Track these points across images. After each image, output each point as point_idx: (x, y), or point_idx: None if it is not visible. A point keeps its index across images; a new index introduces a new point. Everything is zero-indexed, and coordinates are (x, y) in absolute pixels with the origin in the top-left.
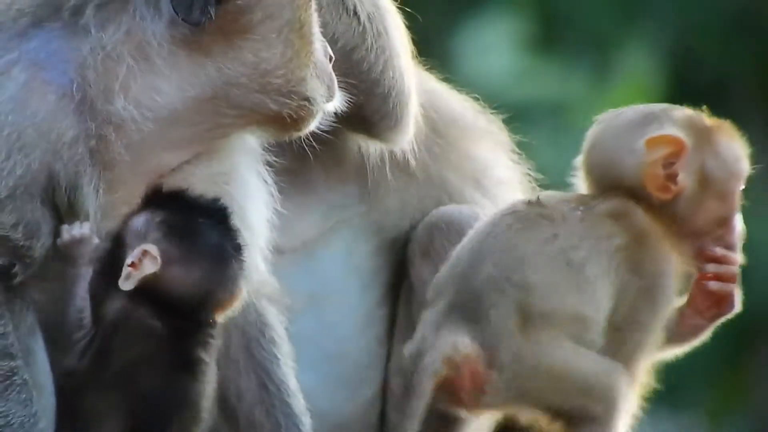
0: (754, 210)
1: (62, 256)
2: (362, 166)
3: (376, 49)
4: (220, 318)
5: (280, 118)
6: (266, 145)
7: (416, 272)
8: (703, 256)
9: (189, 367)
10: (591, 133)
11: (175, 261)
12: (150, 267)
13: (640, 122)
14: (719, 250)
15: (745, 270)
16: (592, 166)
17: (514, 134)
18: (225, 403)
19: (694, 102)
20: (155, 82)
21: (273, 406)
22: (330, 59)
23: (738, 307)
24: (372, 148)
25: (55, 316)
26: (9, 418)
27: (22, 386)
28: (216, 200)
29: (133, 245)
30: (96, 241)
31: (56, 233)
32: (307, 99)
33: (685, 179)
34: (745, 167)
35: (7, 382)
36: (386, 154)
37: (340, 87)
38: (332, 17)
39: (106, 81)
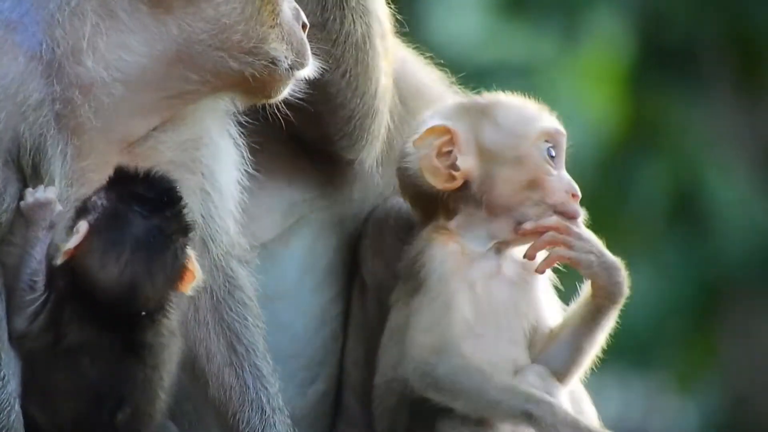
0: (722, 173)
1: (24, 219)
2: (350, 147)
3: (349, 77)
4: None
5: (244, 80)
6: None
7: (368, 269)
8: (520, 237)
9: (134, 351)
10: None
11: (96, 248)
12: (72, 242)
13: (412, 132)
14: (528, 225)
15: (713, 231)
16: (405, 190)
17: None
18: (194, 365)
19: (663, 65)
20: (122, 38)
21: (242, 368)
22: (304, 27)
23: (593, 263)
24: (375, 112)
25: (13, 279)
26: None
27: None
28: (166, 187)
29: (79, 220)
30: (59, 207)
31: (21, 197)
32: (271, 59)
33: (466, 161)
34: (539, 126)
35: None
36: (380, 130)
37: (303, 100)
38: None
39: (73, 40)
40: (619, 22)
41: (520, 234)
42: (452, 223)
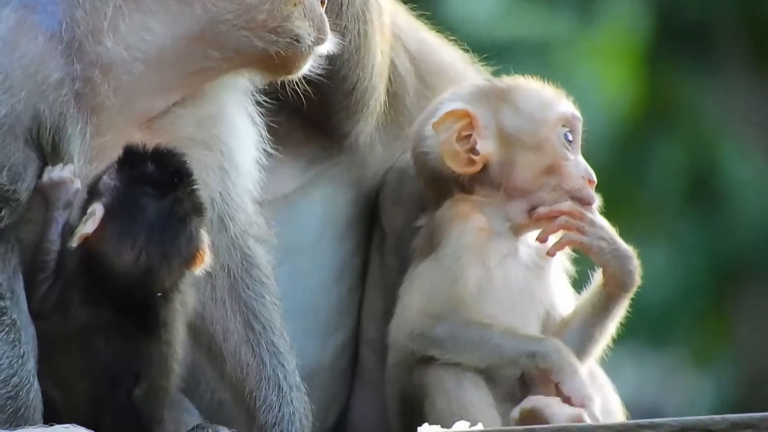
0: (738, 151)
1: (42, 197)
2: (347, 119)
3: (352, 49)
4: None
5: (268, 57)
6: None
7: (388, 219)
8: (533, 219)
9: (149, 330)
10: (410, 144)
11: (112, 233)
12: (89, 227)
13: (427, 114)
14: (542, 209)
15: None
16: (419, 172)
17: (499, 75)
18: (211, 343)
19: (678, 44)
20: (144, 20)
21: (259, 345)
22: (322, 2)
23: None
24: (372, 87)
25: (31, 257)
26: None
27: (11, 326)
28: (177, 165)
29: (93, 202)
30: (77, 185)
31: (40, 176)
32: (295, 37)
33: (487, 145)
34: (558, 111)
35: None
36: (377, 107)
37: (306, 75)
38: None
39: (94, 21)
40: (634, 2)
41: (534, 218)
42: (474, 197)
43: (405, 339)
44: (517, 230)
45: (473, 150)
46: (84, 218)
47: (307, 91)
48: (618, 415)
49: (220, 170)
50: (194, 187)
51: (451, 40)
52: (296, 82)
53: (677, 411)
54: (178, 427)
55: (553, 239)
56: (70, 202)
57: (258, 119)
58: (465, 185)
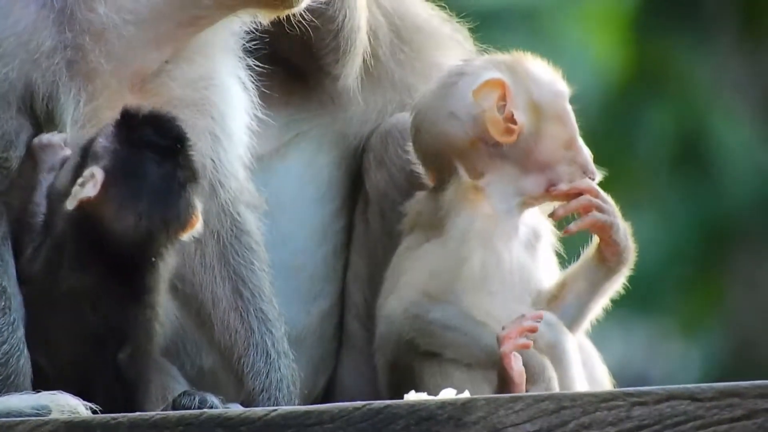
0: (726, 118)
1: (32, 162)
2: (336, 62)
3: None
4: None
5: None
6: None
7: (372, 181)
8: (552, 197)
9: (137, 295)
10: (412, 122)
11: (113, 197)
12: (90, 191)
13: (452, 84)
14: (563, 186)
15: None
16: (425, 150)
17: (487, 40)
18: (200, 309)
19: (667, 9)
20: None
21: (247, 312)
22: None
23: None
24: (358, 27)
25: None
26: None
27: (0, 294)
28: (177, 132)
29: (89, 165)
30: (67, 152)
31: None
32: None
33: (521, 115)
34: (563, 86)
35: None
36: (361, 47)
37: (293, 21)
38: None
39: None
40: None
41: (553, 194)
42: (483, 181)
43: (402, 318)
44: (526, 205)
45: (511, 119)
46: (80, 181)
47: (294, 34)
48: (605, 383)
49: (212, 136)
50: (191, 153)
51: (438, 4)
52: (284, 24)
53: (664, 379)
54: (165, 393)
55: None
56: (55, 167)
57: (249, 84)
58: (474, 163)
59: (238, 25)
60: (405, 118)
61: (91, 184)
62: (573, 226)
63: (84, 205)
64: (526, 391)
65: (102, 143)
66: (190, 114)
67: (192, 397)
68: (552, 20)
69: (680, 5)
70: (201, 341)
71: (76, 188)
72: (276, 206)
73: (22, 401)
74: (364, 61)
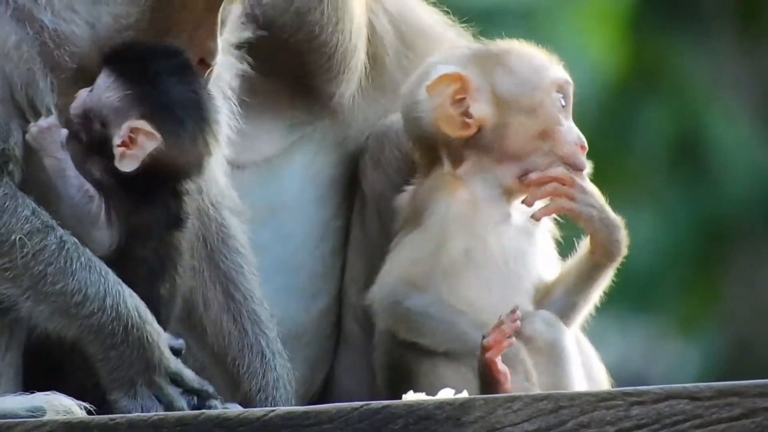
0: (724, 117)
1: (35, 149)
2: (330, 81)
3: (329, 13)
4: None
5: None
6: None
7: (368, 183)
8: (524, 186)
9: (177, 224)
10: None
11: (173, 134)
12: (151, 144)
13: (419, 75)
14: (533, 175)
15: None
16: (410, 138)
17: (483, 39)
18: (191, 313)
19: (664, 8)
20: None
21: (240, 314)
22: None
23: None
24: (353, 49)
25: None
26: (84, 291)
27: (77, 251)
28: (174, 49)
29: (117, 123)
30: (65, 131)
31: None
32: None
33: (481, 109)
34: (552, 76)
35: (64, 253)
36: (359, 67)
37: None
38: None
39: None
40: None
41: (525, 184)
42: (461, 171)
43: (382, 307)
44: (508, 194)
45: (467, 113)
46: (120, 141)
47: (289, 56)
48: (603, 383)
49: None
50: (190, 61)
51: (434, 3)
52: (277, 49)
53: (663, 378)
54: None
55: (539, 204)
56: (64, 144)
57: (230, 93)
58: (456, 151)
59: (225, 32)
60: (400, 119)
61: (145, 138)
62: (537, 213)
63: (150, 158)
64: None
65: (115, 99)
66: None
67: (191, 396)
68: (549, 19)
69: (678, 4)
70: (192, 343)
71: (119, 150)
72: (279, 206)
73: (17, 403)
74: (370, 68)
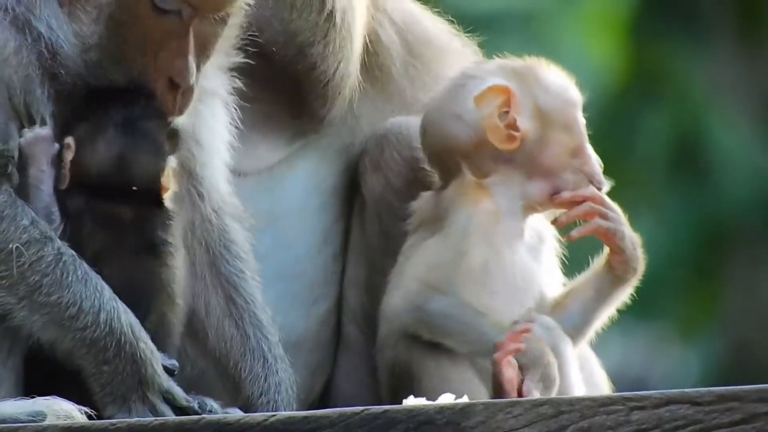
0: (724, 121)
1: (25, 157)
2: (322, 107)
3: (333, 46)
4: (165, 196)
5: None
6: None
7: (368, 185)
8: (555, 203)
9: (152, 250)
10: (421, 121)
11: (83, 141)
12: (68, 155)
13: (459, 86)
14: (566, 194)
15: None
16: (431, 150)
17: (484, 45)
18: (193, 318)
19: (664, 13)
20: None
21: (242, 319)
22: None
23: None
24: (347, 75)
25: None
26: (79, 304)
27: (74, 263)
28: (142, 86)
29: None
30: (57, 146)
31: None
32: None
33: (525, 122)
34: (575, 94)
35: (60, 265)
36: (362, 78)
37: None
38: (304, 14)
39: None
40: None
41: (557, 202)
42: (488, 181)
43: (403, 310)
44: (528, 210)
45: (513, 126)
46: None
47: (287, 82)
48: (604, 388)
49: (192, 150)
50: (161, 111)
51: (435, 11)
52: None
53: (663, 383)
54: None
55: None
56: (54, 159)
57: (230, 101)
58: (482, 163)
59: (227, 43)
60: (400, 122)
61: (68, 152)
62: (575, 232)
63: (71, 170)
64: (524, 375)
65: (73, 119)
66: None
67: (191, 402)
68: (549, 24)
69: (678, 9)
70: (193, 349)
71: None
72: (281, 214)
73: (17, 408)
74: (377, 77)
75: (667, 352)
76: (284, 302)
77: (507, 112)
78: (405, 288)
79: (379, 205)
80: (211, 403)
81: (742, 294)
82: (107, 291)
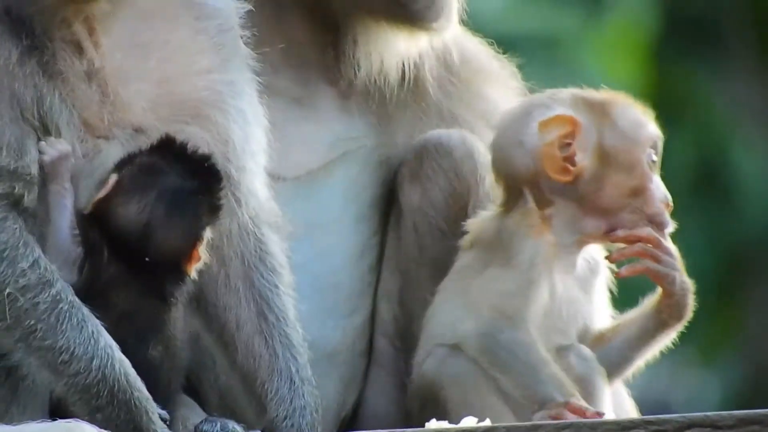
0: (746, 145)
1: (45, 170)
2: (375, 101)
3: None
4: (189, 269)
5: None
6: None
7: (405, 196)
8: (610, 239)
9: (160, 296)
10: (490, 144)
11: (121, 190)
12: (102, 192)
13: (528, 110)
14: (621, 233)
15: (737, 204)
16: (496, 171)
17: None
18: (222, 331)
19: (686, 37)
20: None
21: (272, 337)
22: None
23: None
24: (389, 81)
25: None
26: (72, 350)
27: (70, 310)
28: (211, 162)
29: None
30: (72, 159)
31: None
32: None
33: (584, 158)
34: (649, 132)
35: (56, 312)
36: (403, 89)
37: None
38: None
39: None
40: None
41: (612, 240)
42: (548, 212)
43: (473, 334)
44: (585, 243)
45: (571, 159)
46: (100, 188)
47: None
48: (631, 413)
49: (228, 154)
50: (220, 189)
51: (472, 31)
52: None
53: (685, 406)
54: (185, 424)
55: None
56: (72, 175)
57: (264, 108)
58: (544, 193)
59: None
60: (440, 133)
61: (105, 188)
62: (624, 270)
63: (98, 208)
64: None
65: (131, 156)
66: (205, 132)
67: (213, 424)
68: (572, 48)
69: (699, 33)
70: (223, 362)
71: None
72: (318, 223)
73: (38, 430)
74: (411, 89)
75: (688, 376)
76: (320, 313)
77: (569, 144)
78: (475, 313)
79: (415, 216)
80: (234, 426)
81: (763, 317)
82: (104, 338)
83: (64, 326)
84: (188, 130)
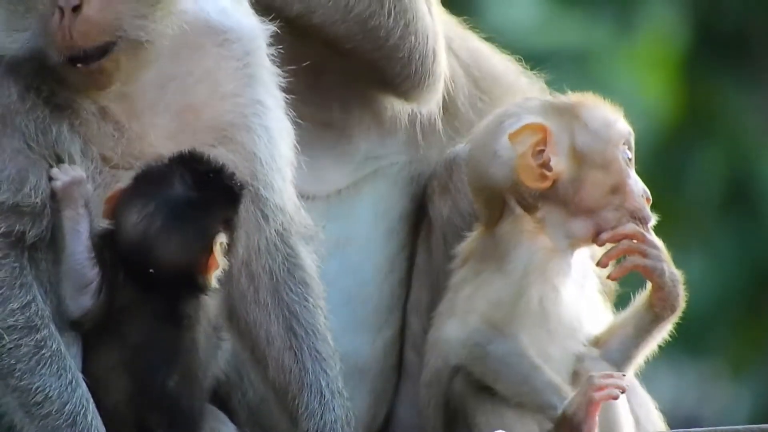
0: (764, 156)
1: (59, 199)
2: (407, 121)
3: (395, 14)
4: (208, 278)
5: None
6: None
7: (435, 208)
8: (597, 243)
9: (173, 319)
10: (466, 158)
11: (125, 195)
12: (109, 194)
13: (498, 123)
14: (605, 235)
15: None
16: (474, 185)
17: (547, 84)
18: (254, 347)
19: (717, 51)
20: None
21: (301, 351)
22: None
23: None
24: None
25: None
26: (47, 392)
27: (52, 357)
28: (227, 173)
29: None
30: (90, 188)
31: (49, 178)
32: None
33: (559, 163)
34: (620, 129)
35: (37, 356)
36: (435, 111)
37: (356, 51)
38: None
39: None
40: (673, 9)
41: (599, 244)
42: (540, 214)
43: (461, 344)
44: (574, 246)
45: (546, 166)
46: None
47: (359, 68)
48: (652, 413)
49: (255, 168)
50: (236, 197)
51: (501, 49)
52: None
53: (715, 420)
54: None
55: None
56: (88, 201)
57: (291, 124)
58: (528, 200)
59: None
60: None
61: (112, 197)
62: (614, 272)
63: (105, 212)
64: None
65: (144, 166)
66: (231, 153)
67: None
68: (602, 63)
69: (730, 47)
70: (256, 376)
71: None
72: (348, 238)
73: None
74: (444, 109)
75: (718, 390)
76: (350, 327)
77: (542, 151)
78: (464, 322)
79: (445, 228)
80: None
81: None
82: (81, 390)
83: (43, 371)
84: (214, 152)
